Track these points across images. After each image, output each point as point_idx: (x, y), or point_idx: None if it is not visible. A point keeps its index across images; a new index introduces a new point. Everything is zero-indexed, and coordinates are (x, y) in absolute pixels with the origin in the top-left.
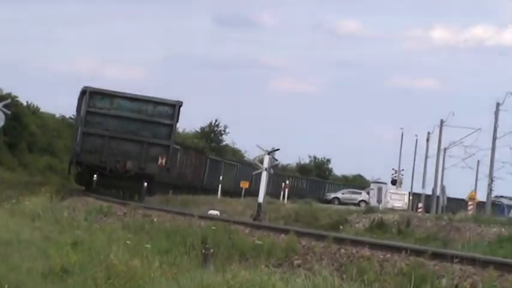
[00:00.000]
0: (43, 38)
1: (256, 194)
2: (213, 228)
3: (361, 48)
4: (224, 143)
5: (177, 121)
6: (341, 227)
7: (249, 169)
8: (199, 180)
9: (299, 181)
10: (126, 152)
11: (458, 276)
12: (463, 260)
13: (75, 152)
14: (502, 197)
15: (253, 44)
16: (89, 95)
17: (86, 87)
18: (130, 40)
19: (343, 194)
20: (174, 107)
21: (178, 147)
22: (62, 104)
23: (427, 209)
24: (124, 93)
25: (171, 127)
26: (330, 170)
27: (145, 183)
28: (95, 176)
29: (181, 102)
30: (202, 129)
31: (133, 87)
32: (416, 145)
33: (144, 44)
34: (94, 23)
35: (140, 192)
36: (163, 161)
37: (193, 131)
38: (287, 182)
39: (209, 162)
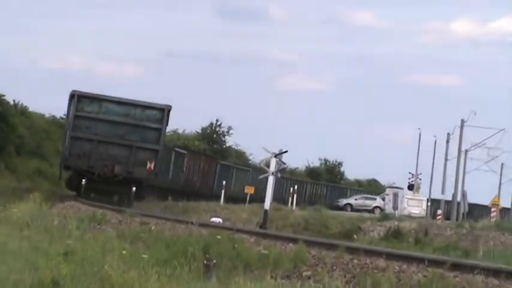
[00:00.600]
0: (31, 32)
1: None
2: (216, 237)
3: (376, 42)
4: (227, 145)
5: (167, 125)
6: (354, 236)
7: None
8: (208, 187)
9: (318, 187)
10: (114, 156)
11: None
12: (485, 271)
13: (63, 156)
14: None
15: (259, 38)
16: (77, 99)
17: (74, 91)
18: (126, 34)
19: (356, 200)
20: (163, 111)
21: (184, 152)
22: (52, 103)
23: (446, 216)
24: (112, 97)
25: (160, 131)
26: (342, 174)
27: (134, 188)
28: (83, 180)
29: (170, 106)
30: (204, 129)
31: (129, 84)
32: (435, 147)
33: (140, 39)
34: (86, 16)
35: (129, 196)
36: (152, 165)
37: (194, 132)
38: (295, 187)
39: (219, 167)
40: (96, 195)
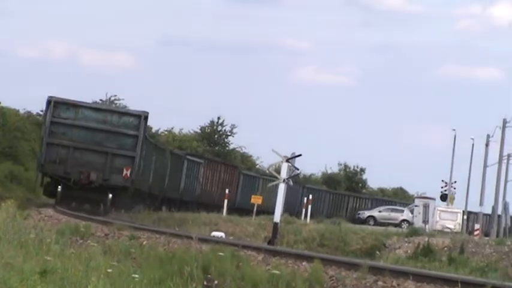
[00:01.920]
0: (7, 14)
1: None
2: (218, 254)
3: (404, 29)
4: (231, 147)
5: (144, 132)
6: (378, 253)
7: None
8: (229, 199)
9: (362, 201)
10: (90, 163)
11: None
12: None
13: (39, 162)
14: None
15: (270, 23)
16: (53, 105)
17: (51, 97)
18: (115, 18)
19: (380, 212)
20: (140, 118)
21: (200, 160)
22: (27, 97)
23: (485, 232)
24: (89, 103)
25: (137, 138)
26: (364, 182)
27: (110, 195)
28: (59, 187)
29: (147, 113)
30: (203, 129)
31: (118, 76)
32: (472, 151)
33: (132, 24)
34: None
35: (105, 204)
36: (128, 172)
37: (192, 131)
38: (310, 196)
39: (243, 178)
40: (72, 203)
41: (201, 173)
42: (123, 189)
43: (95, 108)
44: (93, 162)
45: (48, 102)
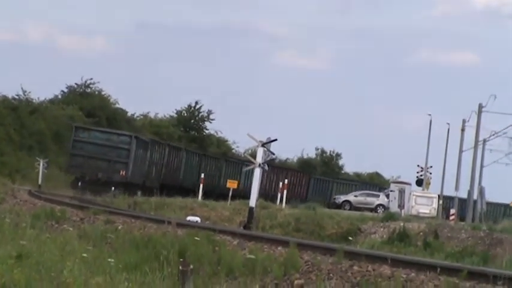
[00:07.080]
0: None
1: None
2: (194, 238)
3: (381, 14)
4: (207, 131)
5: (135, 147)
6: (350, 238)
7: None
8: (301, 197)
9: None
10: (98, 167)
11: None
12: (506, 280)
13: (66, 166)
14: None
15: (247, 8)
16: (74, 129)
17: (74, 123)
18: (92, 2)
19: (355, 196)
20: (131, 137)
21: (266, 168)
22: (2, 81)
23: (461, 217)
24: (98, 128)
25: (128, 150)
26: (341, 167)
27: (113, 188)
28: (79, 183)
29: (137, 134)
30: (179, 113)
31: (95, 60)
32: (448, 136)
33: (109, 8)
34: None
35: (109, 194)
36: (124, 173)
37: (168, 116)
38: (285, 181)
39: (313, 182)
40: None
41: (263, 178)
42: (121, 184)
43: (101, 131)
44: (100, 166)
45: (72, 127)
